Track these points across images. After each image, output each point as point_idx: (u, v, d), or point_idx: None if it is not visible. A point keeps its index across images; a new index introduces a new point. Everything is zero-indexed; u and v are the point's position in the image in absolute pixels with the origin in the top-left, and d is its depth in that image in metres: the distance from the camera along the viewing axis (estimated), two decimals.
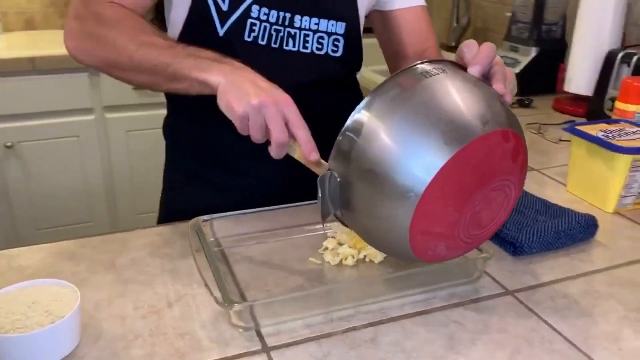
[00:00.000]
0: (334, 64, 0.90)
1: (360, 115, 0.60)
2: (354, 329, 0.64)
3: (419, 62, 0.63)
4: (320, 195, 0.63)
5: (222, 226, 0.81)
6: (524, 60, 1.57)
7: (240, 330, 0.63)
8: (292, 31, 0.85)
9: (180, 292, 0.69)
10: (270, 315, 0.63)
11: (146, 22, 0.80)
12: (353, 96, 0.98)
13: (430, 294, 0.69)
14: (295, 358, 0.59)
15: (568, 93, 1.44)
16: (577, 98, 1.43)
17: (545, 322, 0.66)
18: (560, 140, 1.24)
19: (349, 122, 0.61)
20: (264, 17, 0.84)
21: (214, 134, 0.92)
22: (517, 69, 1.56)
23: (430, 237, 0.60)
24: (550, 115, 1.46)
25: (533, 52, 1.57)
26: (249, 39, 0.84)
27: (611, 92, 1.30)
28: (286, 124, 0.66)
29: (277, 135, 0.65)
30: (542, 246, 0.78)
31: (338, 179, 0.62)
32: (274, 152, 0.67)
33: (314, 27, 0.87)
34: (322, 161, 0.67)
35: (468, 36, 2.11)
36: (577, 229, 0.81)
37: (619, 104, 1.05)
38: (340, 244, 0.77)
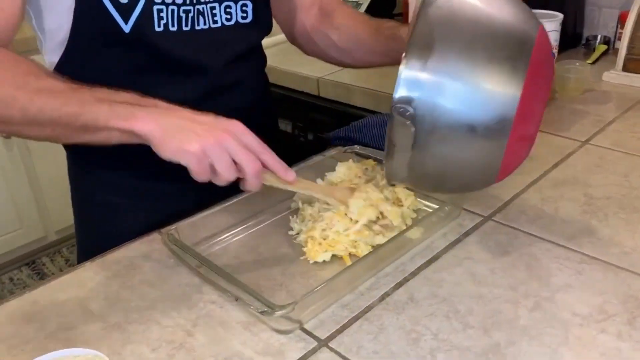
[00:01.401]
0: (246, 31, 0.84)
1: (415, 63, 0.56)
2: (387, 294, 0.63)
3: None
4: (395, 136, 0.58)
5: (187, 232, 0.73)
6: (365, 1, 1.63)
7: (285, 333, 0.58)
8: (201, 7, 0.77)
9: (189, 316, 0.62)
10: (306, 308, 0.60)
11: (32, 62, 0.66)
12: (260, 64, 0.93)
13: (428, 242, 0.72)
14: (355, 341, 0.57)
15: None
16: None
17: (532, 234, 0.72)
18: None
19: (403, 75, 0.55)
20: (169, 1, 0.74)
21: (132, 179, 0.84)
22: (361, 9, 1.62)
23: (522, 144, 0.62)
24: None
25: None
26: (160, 29, 0.74)
27: None
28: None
29: (252, 166, 0.62)
30: None
31: (412, 112, 0.56)
32: (252, 185, 0.63)
33: None
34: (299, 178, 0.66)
35: None
36: None
37: None
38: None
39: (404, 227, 0.71)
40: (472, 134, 0.56)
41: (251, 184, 0.63)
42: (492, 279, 0.65)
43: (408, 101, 0.55)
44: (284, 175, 0.65)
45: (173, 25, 0.75)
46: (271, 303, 0.57)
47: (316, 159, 0.93)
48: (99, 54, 0.75)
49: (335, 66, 1.42)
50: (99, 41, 0.73)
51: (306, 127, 1.46)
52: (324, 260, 0.68)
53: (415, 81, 0.55)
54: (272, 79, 1.47)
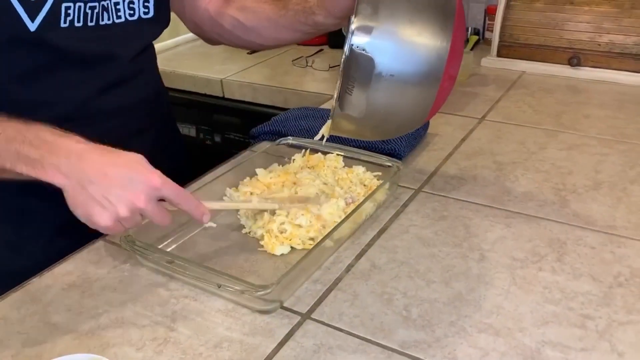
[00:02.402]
0: (147, 26, 0.84)
1: (363, 18, 0.60)
2: (351, 265, 0.68)
3: None
4: (353, 69, 0.61)
5: (139, 235, 0.71)
6: None
7: (268, 313, 0.61)
8: (105, 3, 0.77)
9: (165, 313, 0.61)
10: (284, 287, 0.62)
11: None
12: (154, 56, 0.93)
13: (373, 216, 0.77)
14: (335, 310, 0.61)
15: None
16: None
17: (460, 199, 0.81)
18: (330, 66, 1.40)
19: (356, 22, 0.59)
20: None
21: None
22: None
23: (451, 82, 0.67)
24: (299, 49, 1.59)
25: None
26: (66, 25, 0.73)
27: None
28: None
29: (162, 223, 0.63)
30: (409, 147, 0.93)
31: (365, 51, 0.60)
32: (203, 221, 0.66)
33: None
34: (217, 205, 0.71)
35: None
36: (421, 127, 0.98)
37: None
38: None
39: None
40: (415, 74, 0.62)
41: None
42: (438, 240, 0.72)
43: (363, 43, 0.60)
44: (199, 219, 0.65)
45: (79, 22, 0.74)
46: (255, 285, 0.59)
47: (245, 154, 0.95)
48: (1, 55, 0.72)
49: (238, 66, 1.45)
50: (3, 41, 0.70)
51: (212, 130, 1.46)
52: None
53: (366, 27, 0.60)
54: (171, 83, 1.46)
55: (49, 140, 0.60)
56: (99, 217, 0.58)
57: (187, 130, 1.51)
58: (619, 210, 0.77)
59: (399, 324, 0.59)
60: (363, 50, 0.59)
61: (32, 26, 0.70)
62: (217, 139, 1.46)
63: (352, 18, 0.59)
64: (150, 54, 0.90)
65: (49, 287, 0.66)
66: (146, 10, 0.82)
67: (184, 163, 0.99)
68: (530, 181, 0.85)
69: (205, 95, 1.43)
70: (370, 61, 0.60)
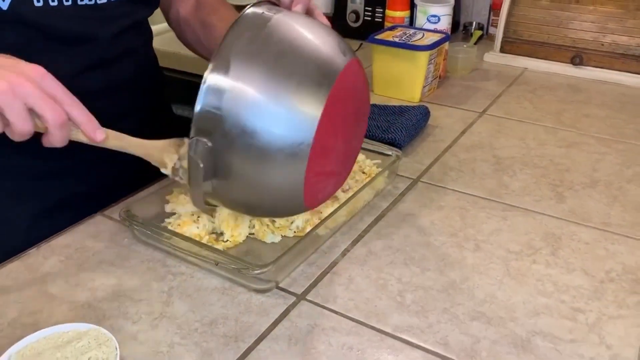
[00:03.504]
0: (131, 7, 0.83)
1: (215, 80, 0.53)
2: (347, 250, 0.69)
3: (246, 8, 0.58)
4: (190, 169, 0.56)
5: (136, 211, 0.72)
6: None
7: (264, 292, 0.61)
8: None
9: (162, 288, 0.62)
10: (280, 268, 0.63)
11: None
12: (147, 37, 0.92)
13: (371, 204, 0.78)
14: (330, 292, 0.62)
15: None
16: None
17: (458, 191, 0.82)
18: None
19: (203, 92, 0.53)
20: None
21: None
22: None
23: (323, 178, 0.60)
24: None
25: None
26: (40, 4, 0.71)
27: (351, 5, 1.50)
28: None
29: (53, 115, 0.54)
30: (409, 137, 0.93)
31: (208, 145, 0.54)
32: (55, 139, 0.55)
33: None
34: (111, 134, 0.60)
35: None
36: (422, 118, 0.99)
37: (389, 12, 1.25)
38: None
39: None
40: (268, 160, 0.54)
41: (54, 137, 0.55)
42: (434, 229, 0.73)
43: (206, 128, 0.54)
44: (91, 134, 0.57)
45: (53, 1, 0.72)
46: (252, 264, 0.59)
47: None
48: None
49: None
50: None
51: None
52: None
53: (217, 90, 0.53)
54: (169, 63, 1.46)
55: None
56: None
57: (182, 110, 1.50)
58: (614, 208, 0.77)
59: (393, 308, 0.59)
60: (205, 145, 0.54)
61: (4, 5, 0.68)
62: None
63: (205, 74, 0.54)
64: (139, 34, 0.87)
65: (46, 259, 0.66)
66: None
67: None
68: (528, 176, 0.85)
69: (201, 76, 1.43)
70: (199, 166, 0.54)
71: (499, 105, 1.11)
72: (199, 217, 0.68)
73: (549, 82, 1.24)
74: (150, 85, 0.93)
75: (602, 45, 1.24)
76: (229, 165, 0.55)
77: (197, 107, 0.54)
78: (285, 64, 0.55)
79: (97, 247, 0.69)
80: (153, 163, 0.64)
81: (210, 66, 0.54)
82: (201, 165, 0.54)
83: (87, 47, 0.77)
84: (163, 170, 0.64)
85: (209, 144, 0.54)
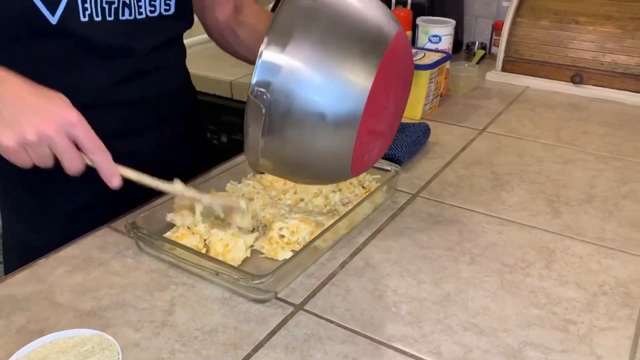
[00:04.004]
0: (168, 22, 0.87)
1: (272, 49, 0.56)
2: (346, 262, 0.70)
3: None
4: (249, 117, 0.57)
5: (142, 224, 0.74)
6: (269, 5, 1.70)
7: (263, 302, 0.63)
8: (127, 0, 0.80)
9: (164, 298, 0.64)
10: (280, 279, 0.65)
11: None
12: (182, 53, 0.96)
13: (370, 218, 0.80)
14: (327, 303, 0.63)
15: None
16: None
17: (456, 206, 0.83)
18: None
19: (260, 61, 0.56)
20: None
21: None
22: None
23: (372, 138, 0.63)
24: None
25: None
26: (85, 19, 0.76)
27: None
28: (77, 145, 0.61)
29: (71, 166, 0.60)
30: (409, 154, 0.96)
31: (268, 96, 0.56)
32: (71, 173, 0.62)
33: None
34: (132, 174, 0.65)
35: None
36: (422, 135, 1.01)
37: None
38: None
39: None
40: (322, 123, 0.57)
41: (70, 173, 0.62)
42: (431, 243, 0.74)
43: (265, 85, 0.56)
44: (107, 179, 0.63)
45: (97, 16, 0.77)
46: (251, 274, 0.61)
47: (238, 159, 0.97)
48: (23, 44, 0.75)
49: (249, 69, 1.48)
50: (24, 32, 0.74)
51: (219, 130, 1.49)
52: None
53: (272, 66, 0.56)
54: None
55: None
56: (3, 137, 0.57)
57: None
58: (609, 223, 0.79)
59: (388, 319, 0.61)
60: (264, 96, 0.56)
61: (53, 20, 0.73)
62: (224, 139, 1.49)
63: (261, 48, 0.56)
64: (174, 49, 0.92)
65: (54, 269, 0.69)
66: (167, 7, 0.85)
67: (202, 159, 1.02)
68: (525, 192, 0.87)
69: (214, 95, 1.47)
70: (262, 111, 0.57)
71: (499, 123, 1.13)
72: (194, 226, 0.70)
73: (550, 100, 1.26)
74: (182, 99, 0.96)
75: (602, 64, 1.26)
76: (284, 125, 0.57)
77: (256, 70, 0.56)
78: (338, 31, 0.58)
79: (103, 258, 0.71)
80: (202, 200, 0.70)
81: (266, 38, 0.56)
82: (263, 110, 0.56)
83: (124, 60, 0.81)
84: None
85: (269, 96, 0.56)
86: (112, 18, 0.78)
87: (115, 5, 0.78)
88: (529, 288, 0.66)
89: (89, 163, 0.62)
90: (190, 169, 0.87)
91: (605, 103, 1.24)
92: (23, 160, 0.59)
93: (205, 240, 0.70)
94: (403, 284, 0.66)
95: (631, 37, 1.23)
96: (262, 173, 0.70)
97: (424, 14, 1.37)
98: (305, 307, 0.63)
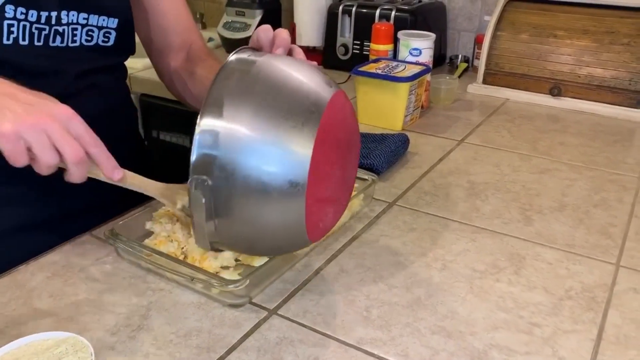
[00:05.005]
0: (105, 53, 0.86)
1: (208, 122, 0.55)
2: (321, 269, 0.72)
3: (230, 55, 0.61)
4: (192, 207, 0.57)
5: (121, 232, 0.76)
6: (253, 23, 1.72)
7: (237, 307, 0.64)
8: (60, 28, 0.79)
9: (141, 303, 0.65)
10: (254, 284, 0.66)
11: None
12: (120, 75, 0.96)
13: (347, 225, 0.82)
14: (301, 308, 0.65)
15: (302, 46, 1.66)
16: (310, 50, 1.66)
17: (431, 214, 0.85)
18: None
19: (198, 134, 0.55)
20: (21, 17, 0.75)
21: None
22: (250, 32, 1.71)
23: (322, 207, 0.61)
24: None
25: (258, 14, 1.73)
26: (9, 42, 0.75)
27: (340, 39, 1.56)
28: None
29: (72, 153, 0.58)
30: (388, 163, 0.98)
31: (209, 182, 0.55)
32: (75, 175, 0.60)
33: (82, 22, 0.81)
34: (128, 174, 0.65)
35: None
36: (401, 146, 1.03)
37: (373, 46, 1.30)
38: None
39: None
40: (267, 196, 0.56)
41: (73, 174, 0.59)
42: (405, 250, 0.76)
43: (205, 167, 0.55)
44: (109, 172, 0.62)
45: (24, 40, 0.75)
46: (226, 279, 0.63)
47: None
48: None
49: None
50: None
51: None
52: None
53: (210, 144, 0.55)
54: (168, 94, 1.51)
55: None
56: (1, 124, 0.55)
57: (181, 140, 1.56)
58: (579, 230, 0.81)
59: (359, 322, 0.63)
60: (205, 183, 0.55)
61: None
62: None
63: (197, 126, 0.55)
64: (110, 71, 0.90)
65: (34, 275, 0.70)
66: (106, 39, 0.85)
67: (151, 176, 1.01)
68: (499, 200, 0.89)
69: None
70: (202, 200, 0.56)
71: (477, 134, 1.16)
72: (174, 233, 0.72)
73: (529, 112, 1.29)
74: (118, 118, 0.95)
75: (579, 77, 1.29)
76: (229, 203, 0.56)
77: (194, 149, 0.55)
78: (273, 103, 0.56)
79: (82, 264, 0.72)
80: (165, 203, 0.69)
81: (202, 109, 0.55)
82: (203, 200, 0.55)
83: (52, 81, 0.78)
84: (173, 209, 0.69)
85: (209, 182, 0.55)
86: (40, 43, 0.77)
87: (46, 32, 0.77)
88: (498, 293, 0.68)
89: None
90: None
91: (582, 115, 1.26)
92: (19, 150, 0.56)
93: (182, 248, 0.71)
94: (375, 289, 0.68)
95: (607, 51, 1.27)
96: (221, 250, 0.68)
97: (407, 28, 1.40)
98: (278, 312, 0.64)
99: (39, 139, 0.56)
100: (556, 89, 1.31)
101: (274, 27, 0.70)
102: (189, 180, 0.56)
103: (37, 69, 0.78)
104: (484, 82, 1.41)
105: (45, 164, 0.58)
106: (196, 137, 0.55)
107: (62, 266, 0.72)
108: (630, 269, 0.73)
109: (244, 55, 0.62)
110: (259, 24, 1.72)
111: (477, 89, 1.41)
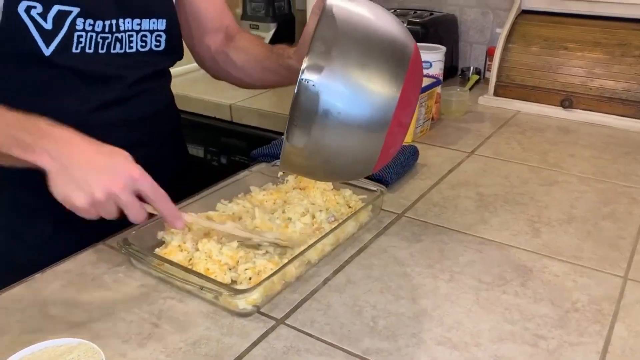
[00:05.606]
0: (158, 56, 0.92)
1: (315, 59, 0.61)
2: (328, 279, 0.73)
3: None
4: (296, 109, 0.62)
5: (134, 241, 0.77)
6: (267, 36, 1.75)
7: (246, 316, 0.66)
8: (119, 35, 0.85)
9: (152, 311, 0.67)
10: (263, 293, 0.67)
11: None
12: (167, 80, 1.01)
13: (355, 236, 0.83)
14: (308, 318, 0.66)
15: None
16: None
17: (439, 225, 0.86)
18: None
19: (305, 66, 0.60)
20: (89, 28, 0.81)
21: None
22: None
23: (401, 129, 0.69)
24: None
25: (272, 27, 1.76)
26: (77, 51, 0.81)
27: None
28: (140, 197, 0.67)
29: (135, 216, 0.67)
30: (397, 175, 0.99)
31: (314, 86, 0.60)
32: (134, 222, 0.69)
33: (136, 28, 0.87)
34: (188, 219, 0.72)
35: None
36: (410, 157, 1.04)
37: None
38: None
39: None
40: (361, 117, 0.63)
41: (133, 221, 0.69)
42: (412, 261, 0.77)
43: (312, 79, 0.61)
44: (171, 223, 0.70)
45: (90, 49, 0.81)
46: (234, 288, 0.64)
47: (243, 174, 1.01)
48: (10, 69, 0.79)
49: (248, 93, 1.53)
50: (15, 59, 0.78)
51: (219, 152, 1.53)
52: None
53: (317, 66, 0.61)
54: (184, 106, 1.54)
55: (43, 128, 0.66)
56: (75, 198, 0.64)
57: (196, 151, 1.58)
58: (587, 242, 0.81)
59: (365, 333, 0.63)
60: (313, 85, 0.60)
61: (47, 51, 0.78)
62: (224, 160, 1.52)
63: (305, 55, 0.61)
64: (159, 76, 0.97)
65: (49, 283, 0.72)
66: (157, 44, 0.90)
67: (186, 179, 1.06)
68: (508, 212, 0.90)
69: (214, 118, 1.51)
70: (316, 96, 0.61)
71: (488, 146, 1.16)
72: (184, 243, 0.73)
73: (540, 124, 1.29)
74: (165, 122, 1.00)
75: (590, 89, 1.29)
76: (325, 120, 0.62)
77: (302, 73, 0.60)
78: (375, 49, 0.63)
79: (96, 273, 0.74)
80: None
81: (310, 49, 0.61)
82: (319, 92, 0.61)
83: (111, 87, 0.85)
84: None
85: (315, 86, 0.61)
86: (103, 51, 0.83)
87: (109, 40, 0.83)
88: (504, 305, 0.68)
89: (151, 211, 0.69)
90: (173, 186, 0.90)
91: (594, 127, 1.26)
92: (90, 215, 0.65)
93: (190, 260, 0.72)
94: (382, 299, 0.69)
95: (618, 63, 1.27)
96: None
97: (418, 41, 1.41)
98: (286, 322, 0.65)
99: (108, 209, 0.66)
100: (567, 101, 1.31)
101: (288, 40, 0.74)
102: (300, 81, 0.60)
103: (100, 76, 0.84)
104: (495, 94, 1.41)
105: (111, 218, 0.67)
106: (307, 56, 0.60)
107: (76, 274, 0.74)
108: (638, 282, 0.73)
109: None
110: (273, 37, 1.75)
111: (488, 100, 1.42)
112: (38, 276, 0.73)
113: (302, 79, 0.60)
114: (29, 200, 0.86)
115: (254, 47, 0.99)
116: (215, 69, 1.04)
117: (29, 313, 0.67)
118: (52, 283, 0.72)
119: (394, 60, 0.64)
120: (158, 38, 0.90)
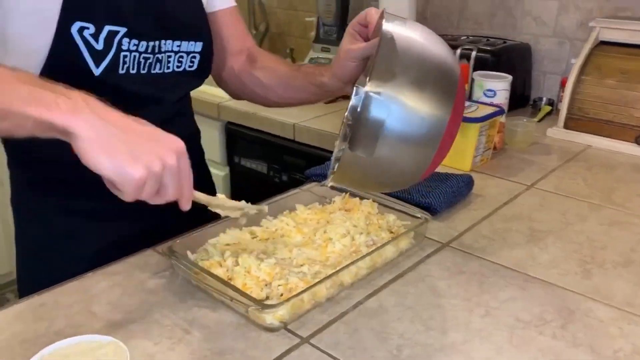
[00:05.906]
0: (189, 77, 0.95)
1: (376, 84, 0.66)
2: (360, 303, 0.73)
3: (384, 22, 0.69)
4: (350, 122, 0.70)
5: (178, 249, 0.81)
6: None
7: (272, 331, 0.67)
8: (160, 56, 0.87)
9: (186, 317, 0.69)
10: (291, 310, 0.68)
11: None
12: (190, 101, 1.05)
13: (394, 262, 0.82)
14: (333, 339, 0.66)
15: None
16: None
17: (484, 258, 0.84)
18: None
19: (368, 88, 0.65)
20: (133, 48, 0.83)
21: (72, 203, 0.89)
22: None
23: (448, 141, 0.72)
24: None
25: None
26: (123, 72, 0.83)
27: None
28: None
29: (173, 193, 0.62)
30: (447, 204, 0.97)
31: (374, 95, 0.66)
32: (184, 207, 0.66)
33: (175, 49, 0.90)
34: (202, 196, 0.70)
35: (266, 41, 2.26)
36: (464, 187, 1.02)
37: None
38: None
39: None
40: (416, 135, 0.69)
41: (184, 206, 0.66)
42: (449, 292, 0.75)
43: (379, 90, 0.66)
44: (183, 204, 0.65)
45: (133, 69, 0.84)
46: (262, 303, 0.66)
47: (294, 191, 1.03)
48: None
49: (312, 114, 1.56)
50: (66, 79, 0.73)
51: (281, 169, 1.57)
52: None
53: (382, 81, 0.66)
54: (251, 124, 1.60)
55: (65, 90, 0.58)
56: (131, 168, 0.55)
57: (260, 167, 1.63)
58: None
59: None
60: (380, 96, 0.66)
61: (97, 71, 0.80)
62: (285, 177, 1.56)
63: (367, 79, 0.66)
64: (188, 100, 1.02)
65: (97, 282, 0.77)
66: (191, 64, 0.94)
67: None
68: (559, 250, 0.86)
69: (279, 137, 1.55)
70: (384, 108, 0.66)
71: (550, 180, 1.12)
72: (224, 261, 0.76)
73: (611, 160, 1.23)
74: (192, 143, 1.00)
75: None
76: (384, 134, 0.67)
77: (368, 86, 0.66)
78: (425, 77, 0.69)
79: (141, 277, 0.78)
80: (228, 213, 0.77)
81: (370, 74, 0.66)
82: (386, 104, 0.66)
83: (154, 109, 0.87)
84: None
85: (379, 96, 0.66)
86: (145, 71, 0.86)
87: (150, 60, 0.86)
88: (538, 346, 0.65)
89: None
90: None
91: None
92: (137, 193, 0.58)
93: (228, 273, 0.75)
94: (411, 329, 0.68)
95: None
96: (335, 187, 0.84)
97: (487, 69, 1.39)
98: (311, 341, 0.66)
99: (154, 186, 0.59)
100: None
101: None
102: (366, 93, 0.66)
103: (142, 96, 0.87)
104: (565, 126, 1.36)
105: (150, 201, 0.62)
106: (367, 89, 0.66)
107: (123, 277, 0.78)
108: None
109: (397, 22, 0.71)
110: None
111: (557, 133, 1.36)
112: (89, 275, 0.78)
113: (370, 92, 0.66)
114: (68, 224, 0.89)
115: (279, 67, 1.02)
116: (239, 89, 1.06)
117: (76, 309, 0.71)
118: (100, 283, 0.77)
119: (446, 85, 0.70)
120: (192, 59, 0.93)
